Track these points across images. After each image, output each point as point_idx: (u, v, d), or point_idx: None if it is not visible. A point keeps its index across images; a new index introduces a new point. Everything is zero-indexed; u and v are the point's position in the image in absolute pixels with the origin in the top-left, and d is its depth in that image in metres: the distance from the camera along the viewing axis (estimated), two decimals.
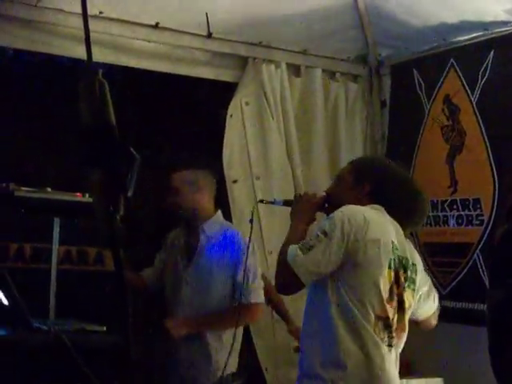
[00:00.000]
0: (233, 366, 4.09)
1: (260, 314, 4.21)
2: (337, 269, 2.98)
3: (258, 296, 4.09)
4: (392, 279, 3.07)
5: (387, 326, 3.05)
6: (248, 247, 3.80)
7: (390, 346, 3.07)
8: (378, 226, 3.06)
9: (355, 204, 3.12)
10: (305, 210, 3.24)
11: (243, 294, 3.96)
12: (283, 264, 3.00)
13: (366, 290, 3.01)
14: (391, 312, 3.06)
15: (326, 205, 3.27)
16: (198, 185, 4.14)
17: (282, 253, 3.04)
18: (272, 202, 3.50)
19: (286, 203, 3.37)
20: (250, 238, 3.65)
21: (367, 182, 3.20)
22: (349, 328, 2.99)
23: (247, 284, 4.01)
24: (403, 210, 3.20)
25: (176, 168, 4.20)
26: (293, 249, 2.99)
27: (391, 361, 3.09)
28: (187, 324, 4.04)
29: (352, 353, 3.00)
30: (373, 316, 3.01)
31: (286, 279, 3.03)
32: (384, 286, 3.03)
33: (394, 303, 3.09)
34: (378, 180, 3.21)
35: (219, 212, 4.24)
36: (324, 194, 3.32)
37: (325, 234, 2.96)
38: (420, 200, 3.25)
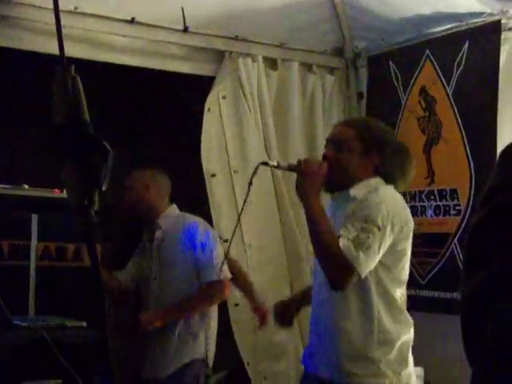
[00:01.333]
0: (210, 357, 4.19)
1: (229, 288, 4.28)
2: None
3: (223, 271, 4.17)
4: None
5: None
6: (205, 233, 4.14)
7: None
8: (406, 207, 3.19)
9: (362, 172, 3.12)
10: (315, 182, 3.06)
11: (208, 272, 4.13)
12: (342, 264, 2.92)
13: (400, 268, 3.16)
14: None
15: (328, 170, 3.13)
16: (148, 183, 4.26)
17: (331, 250, 2.94)
18: (275, 166, 3.28)
19: (290, 169, 3.19)
20: (244, 203, 3.45)
21: (376, 152, 3.15)
22: (387, 308, 3.09)
23: (210, 262, 4.14)
24: (401, 182, 3.23)
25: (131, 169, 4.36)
26: (349, 248, 2.92)
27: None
28: (158, 315, 4.13)
29: (393, 331, 3.11)
30: (404, 291, 3.19)
31: (347, 278, 2.96)
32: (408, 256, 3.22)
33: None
34: (387, 153, 3.16)
35: (173, 205, 4.34)
36: (324, 161, 3.16)
37: (378, 227, 2.95)
38: (412, 167, 3.28)
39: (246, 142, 5.03)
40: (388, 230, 2.99)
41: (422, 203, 4.90)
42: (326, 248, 2.98)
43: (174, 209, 4.33)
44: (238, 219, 3.89)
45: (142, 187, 4.25)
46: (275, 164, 3.26)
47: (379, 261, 3.03)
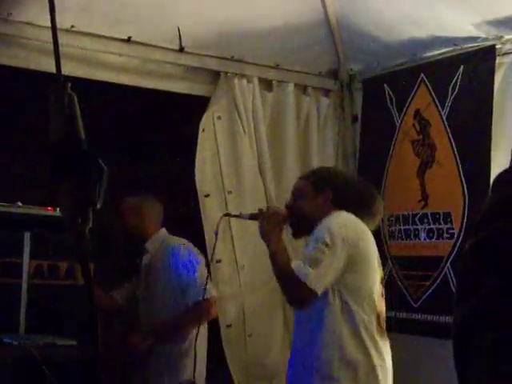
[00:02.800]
0: (201, 377, 4.19)
1: (215, 307, 4.33)
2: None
3: (208, 291, 4.15)
4: (381, 276, 3.37)
5: (381, 320, 3.28)
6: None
7: (383, 338, 3.29)
8: (366, 229, 3.30)
9: (319, 211, 3.30)
10: (274, 226, 3.33)
11: (193, 292, 4.17)
12: (294, 282, 3.11)
13: (366, 292, 3.22)
14: (383, 306, 3.32)
15: (289, 220, 3.42)
16: (141, 209, 4.38)
17: (285, 273, 3.16)
18: (238, 216, 3.64)
19: (253, 217, 3.48)
20: (213, 250, 3.85)
21: (329, 188, 3.36)
22: (351, 331, 3.18)
23: (195, 283, 4.19)
24: (365, 212, 3.37)
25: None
26: (299, 266, 3.12)
27: (388, 351, 3.31)
28: (143, 337, 4.16)
29: (357, 356, 3.18)
30: (373, 315, 3.22)
31: (302, 295, 3.17)
32: (378, 284, 3.30)
33: (383, 298, 3.34)
34: (338, 185, 3.38)
35: (162, 229, 4.43)
36: (285, 209, 3.46)
37: (326, 245, 3.12)
38: (378, 199, 3.49)
39: (240, 163, 5.02)
40: (339, 246, 3.14)
41: (415, 226, 4.90)
42: (281, 271, 3.21)
43: (162, 232, 4.42)
44: (209, 264, 4.15)
45: (135, 215, 4.36)
46: (237, 213, 3.68)
47: (342, 283, 3.17)
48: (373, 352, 3.22)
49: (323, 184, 3.39)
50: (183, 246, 4.32)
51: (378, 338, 3.25)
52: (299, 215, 3.40)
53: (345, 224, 3.24)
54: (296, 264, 3.17)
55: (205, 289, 4.10)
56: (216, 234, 3.61)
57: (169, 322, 4.21)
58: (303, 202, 3.41)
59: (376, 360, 3.22)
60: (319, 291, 3.11)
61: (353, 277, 3.21)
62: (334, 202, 3.35)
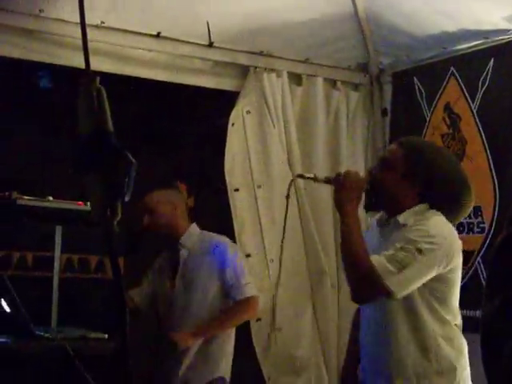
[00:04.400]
0: (227, 371, 4.18)
1: (257, 306, 4.28)
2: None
3: (251, 289, 4.17)
4: None
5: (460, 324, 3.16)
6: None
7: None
8: (456, 236, 3.07)
9: (403, 196, 3.02)
10: (353, 196, 2.99)
11: (238, 290, 4.12)
12: (370, 276, 2.84)
13: (451, 297, 3.08)
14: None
15: (368, 187, 3.07)
16: (173, 202, 4.26)
17: (359, 259, 2.87)
18: (312, 178, 3.20)
19: (328, 181, 3.13)
20: (286, 215, 3.43)
21: (421, 178, 3.04)
22: (444, 335, 3.04)
23: (239, 281, 4.13)
24: (453, 213, 3.11)
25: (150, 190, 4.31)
26: (381, 262, 2.84)
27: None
28: (191, 334, 4.09)
29: (451, 358, 3.05)
30: (458, 317, 3.13)
31: (375, 294, 2.91)
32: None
33: None
34: (434, 180, 3.05)
35: (193, 224, 4.31)
36: (368, 177, 3.14)
37: (420, 251, 2.86)
38: (469, 204, 3.15)
39: (269, 157, 5.03)
40: (432, 258, 2.89)
41: None
42: (353, 253, 2.91)
43: (195, 227, 4.32)
44: (284, 233, 3.65)
45: (170, 208, 4.24)
46: (312, 176, 3.21)
47: (431, 292, 2.97)
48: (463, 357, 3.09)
49: (415, 171, 3.02)
50: (226, 242, 4.25)
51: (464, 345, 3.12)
52: (381, 188, 3.07)
53: (445, 237, 2.96)
54: (377, 260, 2.86)
55: (248, 287, 4.14)
56: (287, 197, 3.22)
57: (212, 320, 4.13)
58: (390, 176, 3.05)
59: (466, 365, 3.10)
60: (398, 296, 2.86)
61: (442, 288, 3.00)
62: (421, 195, 3.03)
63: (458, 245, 3.05)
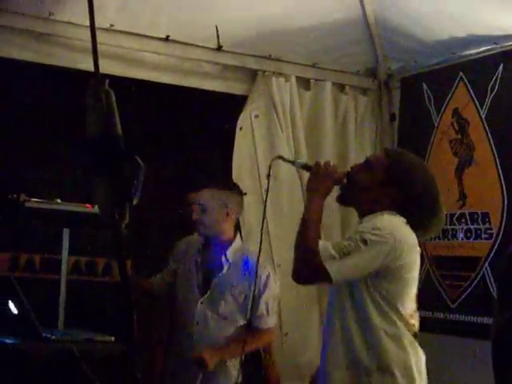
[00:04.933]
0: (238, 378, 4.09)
1: (274, 337, 4.30)
2: (371, 275, 2.99)
3: (274, 320, 4.18)
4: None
5: (413, 324, 3.11)
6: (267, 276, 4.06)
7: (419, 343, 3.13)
8: (415, 242, 3.08)
9: (375, 200, 3.09)
10: (324, 184, 3.11)
11: (263, 320, 4.09)
12: (313, 258, 2.93)
13: (402, 295, 3.06)
14: (415, 309, 3.14)
15: (345, 180, 3.17)
16: (227, 206, 4.10)
17: (309, 241, 2.97)
18: (291, 162, 3.34)
19: (306, 168, 3.25)
20: (266, 195, 3.51)
21: (398, 191, 3.09)
22: (390, 333, 3.02)
23: (268, 311, 4.09)
24: (421, 228, 3.14)
25: (205, 184, 4.15)
26: (326, 247, 2.94)
27: (423, 358, 3.14)
28: (216, 355, 4.00)
29: (396, 357, 3.03)
30: (406, 316, 3.06)
31: (314, 276, 3.01)
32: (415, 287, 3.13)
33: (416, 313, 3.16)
34: (408, 197, 3.10)
35: (238, 236, 4.20)
36: (346, 171, 3.21)
37: (365, 242, 2.92)
38: (441, 222, 3.24)
39: (277, 162, 5.01)
40: (376, 249, 2.93)
41: (453, 226, 4.87)
42: (306, 234, 3.00)
43: (239, 240, 4.18)
44: (264, 212, 3.74)
45: (223, 211, 4.08)
46: (291, 160, 3.34)
47: (378, 290, 3.00)
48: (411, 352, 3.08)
49: (391, 181, 3.10)
50: (264, 263, 4.08)
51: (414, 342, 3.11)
52: (356, 187, 3.16)
53: (393, 231, 2.99)
54: (323, 244, 2.98)
55: (273, 318, 4.14)
56: (268, 176, 3.28)
57: (237, 345, 3.93)
58: (367, 180, 3.14)
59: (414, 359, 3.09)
60: (335, 282, 2.94)
61: (391, 288, 3.01)
62: (394, 204, 3.08)
63: (410, 244, 3.05)
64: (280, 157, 3.39)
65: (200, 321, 4.08)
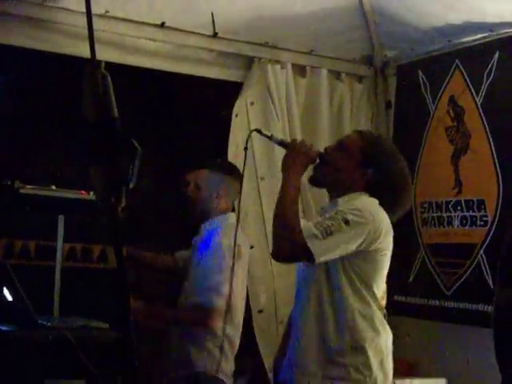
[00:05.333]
0: (225, 371, 3.92)
1: (216, 320, 3.85)
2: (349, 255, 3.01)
3: (213, 301, 3.79)
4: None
5: (383, 305, 3.14)
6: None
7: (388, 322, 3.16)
8: (388, 222, 3.11)
9: (350, 183, 3.12)
10: (301, 162, 3.11)
11: (205, 295, 3.79)
12: (295, 237, 2.92)
13: (377, 276, 3.08)
14: (385, 290, 3.17)
15: (318, 160, 3.18)
16: (220, 187, 4.05)
17: (289, 219, 2.95)
18: (269, 137, 3.29)
19: (282, 144, 3.24)
20: (244, 167, 3.44)
21: (371, 170, 3.13)
22: (364, 313, 3.05)
23: (214, 284, 3.79)
24: (393, 205, 3.17)
25: (204, 165, 4.11)
26: (309, 226, 2.94)
27: (391, 338, 3.17)
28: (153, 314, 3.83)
29: (369, 337, 3.05)
30: (379, 297, 3.09)
31: (296, 255, 2.98)
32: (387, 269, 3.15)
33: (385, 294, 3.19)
34: (382, 173, 3.14)
35: (224, 215, 4.04)
36: (321, 151, 3.22)
37: (346, 222, 2.93)
38: (409, 202, 3.30)
39: (272, 149, 5.01)
40: (358, 231, 2.96)
41: (448, 213, 4.88)
42: (284, 213, 2.99)
43: (224, 217, 4.03)
44: (241, 184, 3.70)
45: (213, 193, 4.03)
46: (268, 135, 3.30)
47: (354, 270, 3.02)
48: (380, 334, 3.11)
49: (368, 162, 3.13)
50: (222, 233, 3.89)
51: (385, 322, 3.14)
52: (331, 167, 3.17)
53: (372, 213, 3.02)
54: (305, 223, 2.97)
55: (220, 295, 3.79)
56: (245, 149, 3.30)
57: (172, 313, 3.95)
58: (343, 160, 3.16)
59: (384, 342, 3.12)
60: (318, 261, 2.92)
61: (367, 269, 3.05)
62: (368, 186, 3.13)
63: (387, 228, 3.09)
64: (258, 130, 3.35)
65: (183, 290, 4.01)
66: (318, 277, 3.08)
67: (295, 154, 3.12)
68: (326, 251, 2.94)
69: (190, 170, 4.14)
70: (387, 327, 3.14)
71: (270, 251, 3.13)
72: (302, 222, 2.99)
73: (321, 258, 2.94)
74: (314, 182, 3.26)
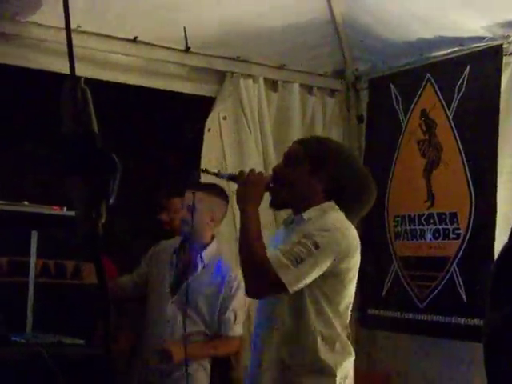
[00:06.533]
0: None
1: (240, 347, 4.20)
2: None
3: (241, 328, 4.12)
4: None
5: (347, 324, 3.09)
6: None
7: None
8: (356, 237, 3.05)
9: (308, 194, 3.04)
10: (255, 191, 3.02)
11: (229, 327, 4.05)
12: (266, 272, 2.83)
13: (343, 293, 3.03)
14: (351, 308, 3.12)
15: (271, 184, 3.10)
16: (213, 211, 4.13)
17: (256, 255, 2.87)
18: (216, 174, 3.21)
19: (231, 177, 3.16)
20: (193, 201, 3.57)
21: (325, 173, 3.04)
22: (326, 335, 2.98)
23: (233, 315, 4.05)
24: (356, 208, 3.11)
25: (194, 187, 4.08)
26: (277, 256, 2.85)
27: (352, 360, 3.10)
28: (181, 348, 3.81)
29: (330, 360, 2.98)
30: (346, 321, 3.05)
31: (270, 289, 2.91)
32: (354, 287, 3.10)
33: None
34: (336, 173, 3.06)
35: (215, 240, 4.18)
36: (270, 173, 3.17)
37: (316, 246, 2.86)
38: (373, 195, 3.15)
39: (245, 163, 5.00)
40: (327, 253, 2.89)
41: (421, 227, 4.89)
42: (250, 249, 2.91)
43: (215, 243, 4.19)
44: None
45: (207, 216, 4.11)
46: (216, 172, 3.24)
47: (321, 290, 2.96)
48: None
49: (319, 165, 3.04)
50: (232, 267, 4.07)
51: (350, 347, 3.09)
52: (287, 184, 3.08)
53: (342, 232, 2.96)
54: (273, 253, 2.87)
55: (239, 326, 4.09)
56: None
57: (201, 346, 4.04)
58: (294, 172, 3.07)
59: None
60: (292, 291, 2.85)
61: (335, 286, 2.99)
62: (325, 190, 3.05)
63: (355, 245, 3.03)
64: (204, 170, 3.34)
65: (170, 320, 4.04)
66: (280, 297, 2.99)
67: (246, 185, 3.04)
68: (298, 280, 2.86)
69: (169, 194, 4.16)
70: (350, 349, 3.07)
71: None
72: (269, 253, 2.88)
73: (294, 288, 2.86)
74: (275, 205, 3.18)
